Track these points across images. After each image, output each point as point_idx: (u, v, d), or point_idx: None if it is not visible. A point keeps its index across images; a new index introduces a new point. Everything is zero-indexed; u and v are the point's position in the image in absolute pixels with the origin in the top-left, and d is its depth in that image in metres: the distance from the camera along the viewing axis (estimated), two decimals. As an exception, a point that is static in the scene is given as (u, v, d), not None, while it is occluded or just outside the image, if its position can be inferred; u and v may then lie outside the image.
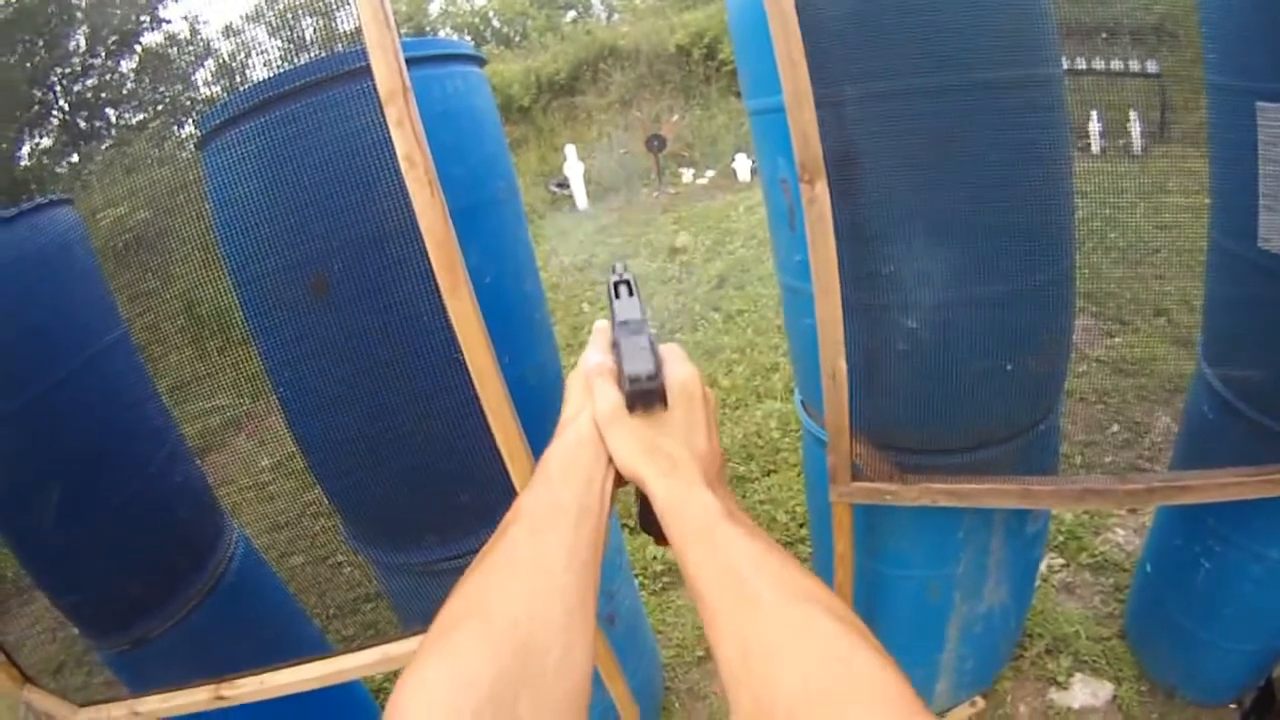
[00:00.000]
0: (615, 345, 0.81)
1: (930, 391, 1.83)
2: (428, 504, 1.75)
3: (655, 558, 3.36)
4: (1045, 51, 1.66)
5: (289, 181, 1.47)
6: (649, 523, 0.73)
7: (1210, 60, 1.85)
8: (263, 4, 1.54)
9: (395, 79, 1.25)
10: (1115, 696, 2.53)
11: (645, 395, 0.74)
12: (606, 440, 0.72)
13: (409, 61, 1.29)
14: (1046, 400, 2.01)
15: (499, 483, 1.49)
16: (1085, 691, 2.61)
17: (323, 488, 1.81)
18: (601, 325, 0.86)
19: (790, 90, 1.45)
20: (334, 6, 1.40)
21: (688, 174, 11.55)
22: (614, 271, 0.91)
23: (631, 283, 0.88)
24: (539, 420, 1.82)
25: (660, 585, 3.29)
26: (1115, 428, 3.79)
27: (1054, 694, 2.64)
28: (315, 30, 1.49)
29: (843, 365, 1.65)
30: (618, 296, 0.87)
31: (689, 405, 0.74)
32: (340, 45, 1.43)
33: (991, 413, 1.89)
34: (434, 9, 20.55)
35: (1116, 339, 4.67)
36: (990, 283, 1.70)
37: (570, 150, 11.17)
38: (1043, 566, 3.06)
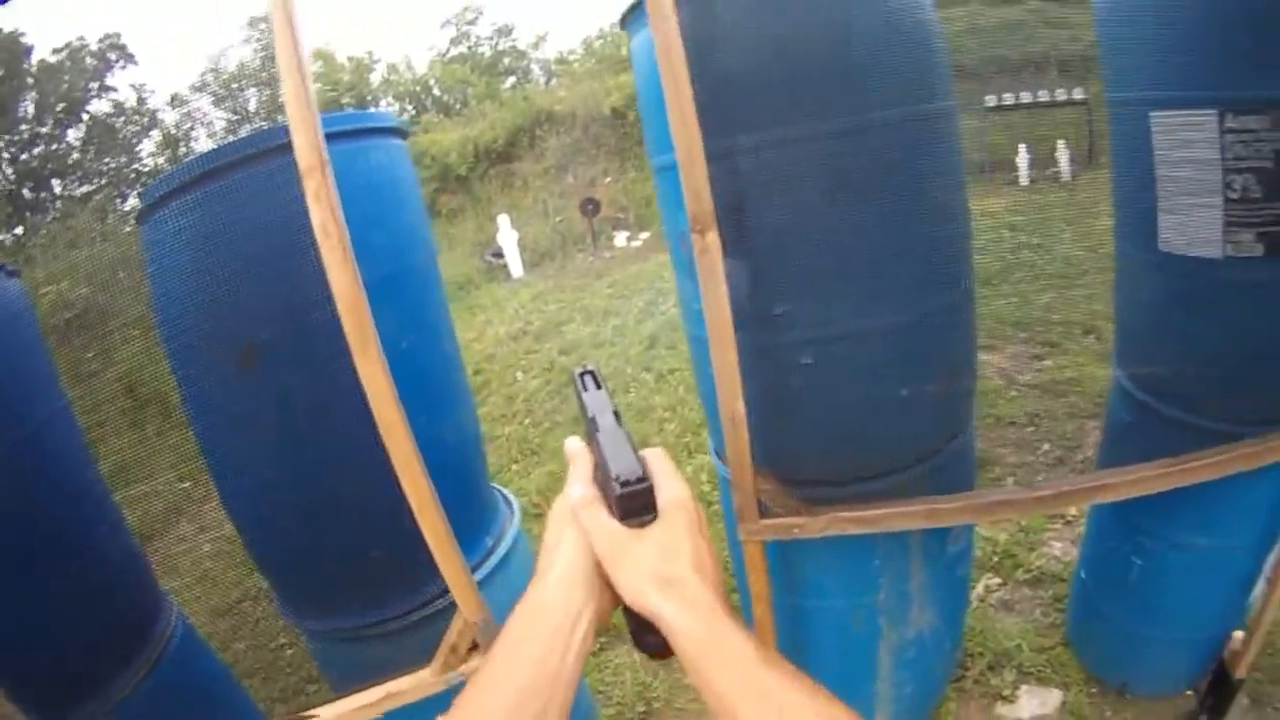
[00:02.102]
0: (593, 441, 0.81)
1: (832, 424, 1.88)
2: (350, 566, 1.79)
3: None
4: (935, 88, 1.77)
5: (220, 253, 1.55)
6: (643, 641, 0.73)
7: (1108, 77, 1.96)
8: (199, 82, 1.64)
9: (314, 155, 1.33)
10: (1064, 702, 2.56)
11: (636, 498, 0.74)
12: (613, 576, 0.72)
13: (334, 136, 1.38)
14: (955, 422, 2.07)
15: (411, 539, 1.52)
16: (1033, 701, 2.63)
17: (251, 554, 1.85)
18: (576, 449, 0.84)
19: (682, 147, 1.52)
20: (264, 84, 1.49)
21: (621, 237, 11.65)
22: (580, 367, 0.90)
23: (596, 374, 0.88)
24: (458, 477, 1.91)
25: (598, 646, 3.28)
26: (1047, 446, 3.97)
27: (1001, 709, 2.65)
28: (257, 104, 1.58)
29: (740, 408, 1.70)
30: (585, 389, 0.87)
31: (688, 523, 0.74)
32: (267, 121, 1.52)
33: (896, 438, 1.93)
34: (376, 79, 20.76)
35: (1046, 361, 4.84)
36: (884, 314, 1.77)
37: (503, 220, 11.28)
38: (980, 587, 3.12)
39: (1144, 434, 2.13)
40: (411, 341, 1.76)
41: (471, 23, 23.12)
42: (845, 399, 1.84)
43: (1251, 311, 1.85)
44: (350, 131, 1.71)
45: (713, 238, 1.58)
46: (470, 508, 2.01)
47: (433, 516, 1.50)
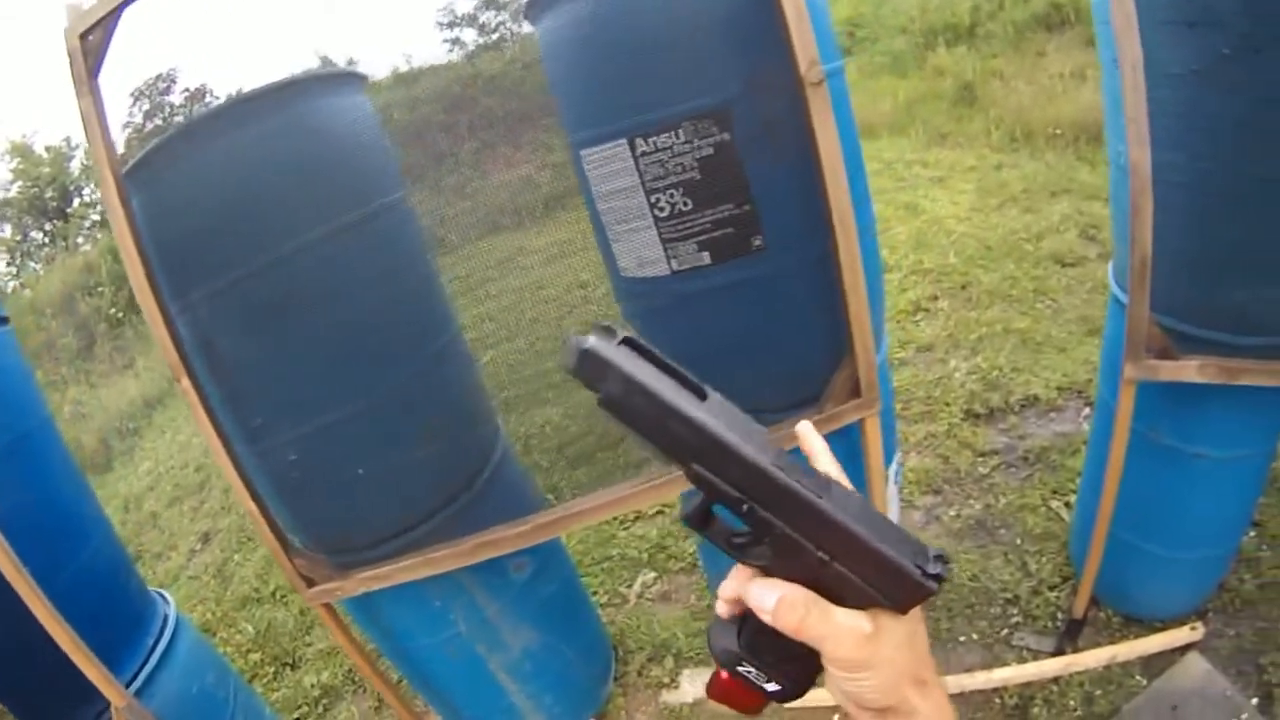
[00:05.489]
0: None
1: (335, 504, 2.06)
2: (47, 681, 2.07)
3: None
4: (370, 191, 1.96)
5: None
6: (774, 670, 0.61)
7: (565, 123, 2.04)
8: None
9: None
10: (727, 677, 2.85)
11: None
12: (860, 681, 0.57)
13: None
14: (469, 466, 2.22)
15: (65, 663, 1.88)
16: (695, 685, 2.80)
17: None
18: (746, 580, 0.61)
19: (146, 310, 1.75)
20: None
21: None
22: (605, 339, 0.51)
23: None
24: (108, 592, 2.29)
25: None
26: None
27: (666, 696, 2.82)
28: None
29: (252, 507, 1.94)
30: (700, 398, 0.51)
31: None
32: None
33: (400, 501, 2.09)
34: (75, 167, 19.59)
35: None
36: (345, 404, 1.95)
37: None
38: (637, 585, 3.39)
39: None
40: (40, 492, 2.12)
41: (164, 92, 22.10)
42: (334, 480, 2.03)
43: (715, 316, 1.97)
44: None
45: (186, 382, 1.83)
46: (125, 615, 2.32)
47: (64, 637, 1.83)
